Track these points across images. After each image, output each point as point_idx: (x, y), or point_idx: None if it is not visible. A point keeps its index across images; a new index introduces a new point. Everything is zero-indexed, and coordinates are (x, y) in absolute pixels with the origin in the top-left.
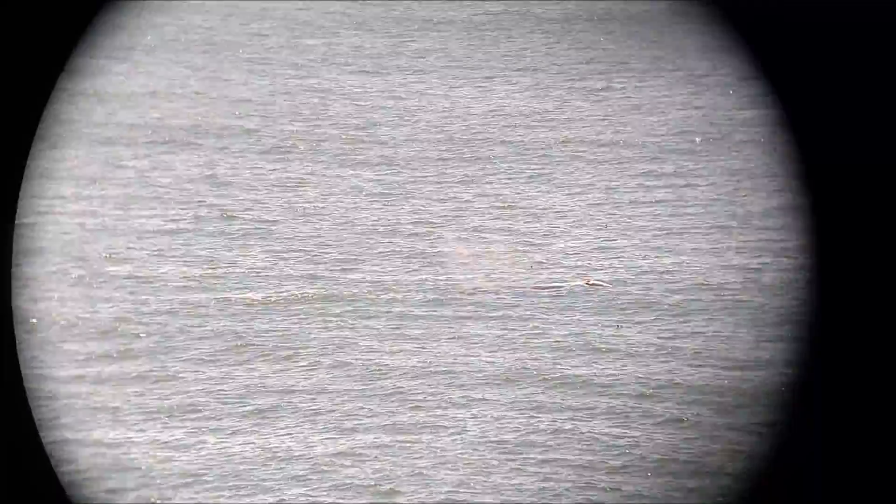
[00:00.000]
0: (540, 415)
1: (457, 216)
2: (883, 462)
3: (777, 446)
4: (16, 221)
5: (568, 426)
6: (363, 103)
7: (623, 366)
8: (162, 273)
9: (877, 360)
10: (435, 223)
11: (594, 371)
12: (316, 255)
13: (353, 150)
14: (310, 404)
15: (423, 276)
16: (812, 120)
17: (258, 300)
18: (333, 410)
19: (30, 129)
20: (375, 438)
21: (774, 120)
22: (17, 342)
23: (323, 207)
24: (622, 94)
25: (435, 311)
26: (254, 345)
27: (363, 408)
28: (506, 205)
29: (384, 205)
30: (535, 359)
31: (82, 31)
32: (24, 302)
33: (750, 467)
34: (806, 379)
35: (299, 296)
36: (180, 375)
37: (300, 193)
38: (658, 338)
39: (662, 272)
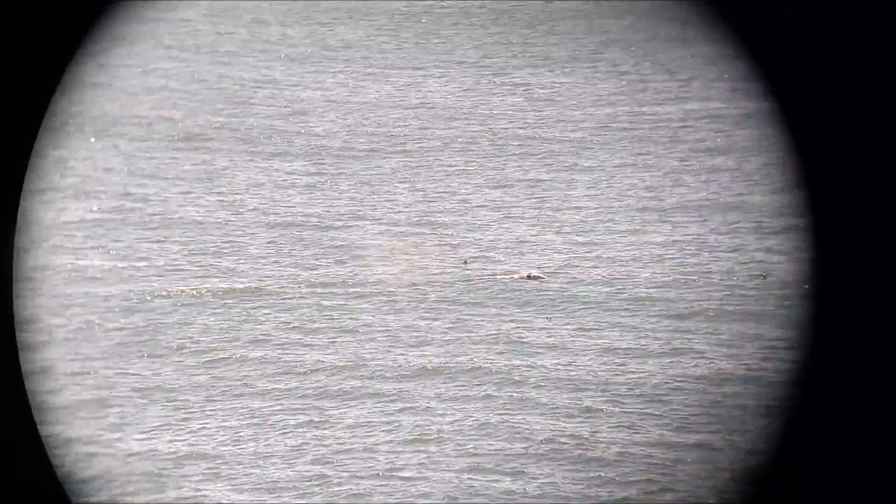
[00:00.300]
0: (467, 406)
1: (385, 210)
2: (883, 463)
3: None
4: (16, 222)
5: (494, 419)
6: (289, 93)
7: (551, 358)
8: (82, 265)
9: (871, 361)
10: (361, 216)
11: (520, 364)
12: (238, 249)
13: (279, 141)
14: (232, 401)
15: (349, 269)
16: (810, 117)
17: (178, 293)
18: (257, 407)
19: None
20: (302, 433)
21: (771, 117)
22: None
23: (245, 200)
24: (549, 88)
25: (360, 304)
26: (174, 339)
27: (285, 405)
28: (433, 198)
29: (309, 197)
30: (464, 353)
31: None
32: None
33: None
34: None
35: (221, 289)
36: (96, 370)
37: (222, 184)
38: (583, 330)
39: (590, 266)
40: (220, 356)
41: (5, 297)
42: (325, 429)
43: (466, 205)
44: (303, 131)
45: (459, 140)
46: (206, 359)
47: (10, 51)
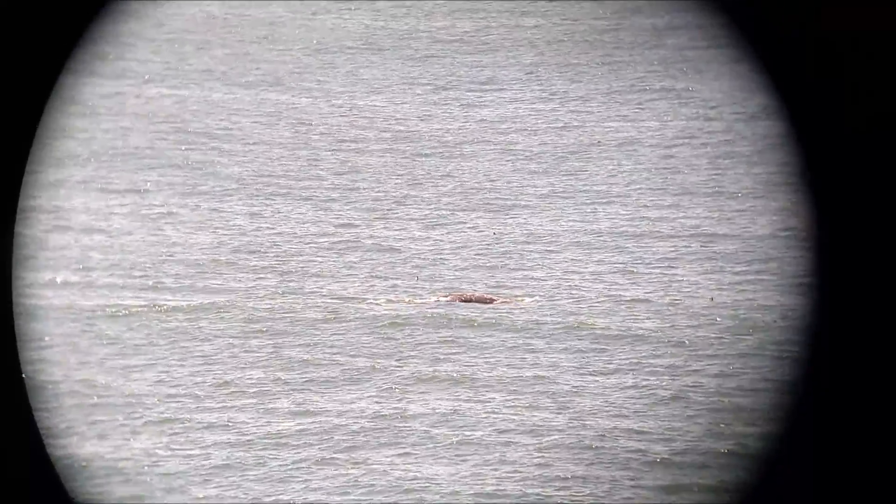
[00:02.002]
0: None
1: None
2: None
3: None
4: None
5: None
6: (195, 109)
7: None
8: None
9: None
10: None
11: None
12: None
13: (192, 161)
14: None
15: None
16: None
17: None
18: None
19: None
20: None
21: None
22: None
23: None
24: (492, 108)
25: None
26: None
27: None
28: (372, 216)
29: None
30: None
31: None
32: None
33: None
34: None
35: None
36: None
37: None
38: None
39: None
40: None
41: (5, 296)
42: (245, 451)
43: (407, 226)
44: (216, 151)
45: (400, 156)
46: None
47: (9, 50)
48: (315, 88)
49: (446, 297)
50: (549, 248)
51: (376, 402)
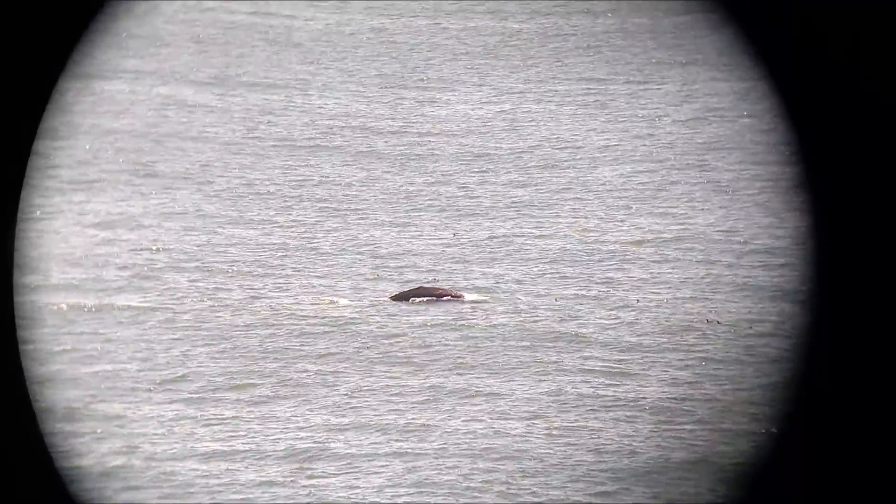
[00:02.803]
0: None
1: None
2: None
3: None
4: (17, 221)
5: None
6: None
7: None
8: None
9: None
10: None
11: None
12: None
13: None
14: None
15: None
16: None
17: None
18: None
19: None
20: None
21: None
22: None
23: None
24: (445, 107)
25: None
26: None
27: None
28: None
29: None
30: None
31: None
32: None
33: None
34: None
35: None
36: None
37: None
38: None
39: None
40: None
41: (5, 295)
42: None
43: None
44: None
45: (351, 147)
46: None
47: (9, 50)
48: (267, 86)
49: (400, 296)
50: (506, 250)
51: (323, 409)
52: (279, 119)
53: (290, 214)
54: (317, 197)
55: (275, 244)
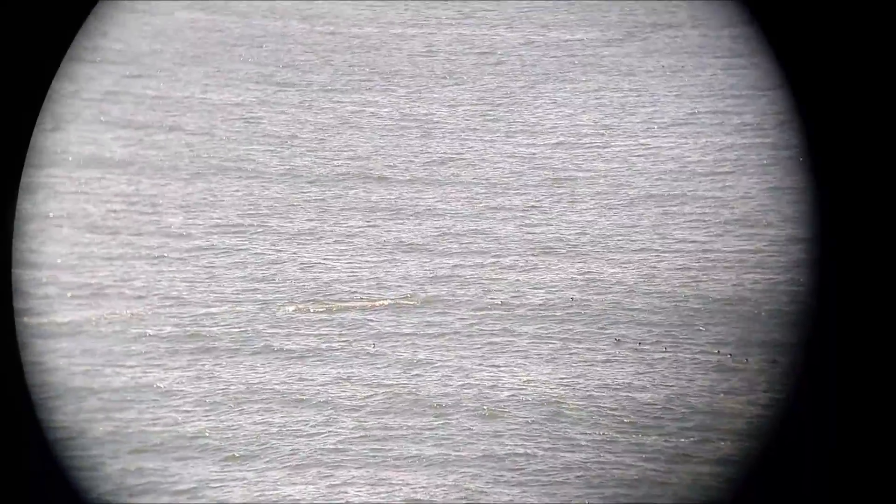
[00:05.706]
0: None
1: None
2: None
3: None
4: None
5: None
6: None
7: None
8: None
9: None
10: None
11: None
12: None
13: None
14: None
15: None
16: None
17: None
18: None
19: None
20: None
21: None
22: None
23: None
24: (391, 108)
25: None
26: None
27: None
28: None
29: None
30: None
31: None
32: None
33: None
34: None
35: None
36: None
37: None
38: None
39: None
40: None
41: (5, 296)
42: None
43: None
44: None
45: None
46: None
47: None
48: (200, 85)
49: (333, 307)
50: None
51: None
52: (200, 118)
53: (206, 217)
54: (240, 202)
55: (192, 249)
